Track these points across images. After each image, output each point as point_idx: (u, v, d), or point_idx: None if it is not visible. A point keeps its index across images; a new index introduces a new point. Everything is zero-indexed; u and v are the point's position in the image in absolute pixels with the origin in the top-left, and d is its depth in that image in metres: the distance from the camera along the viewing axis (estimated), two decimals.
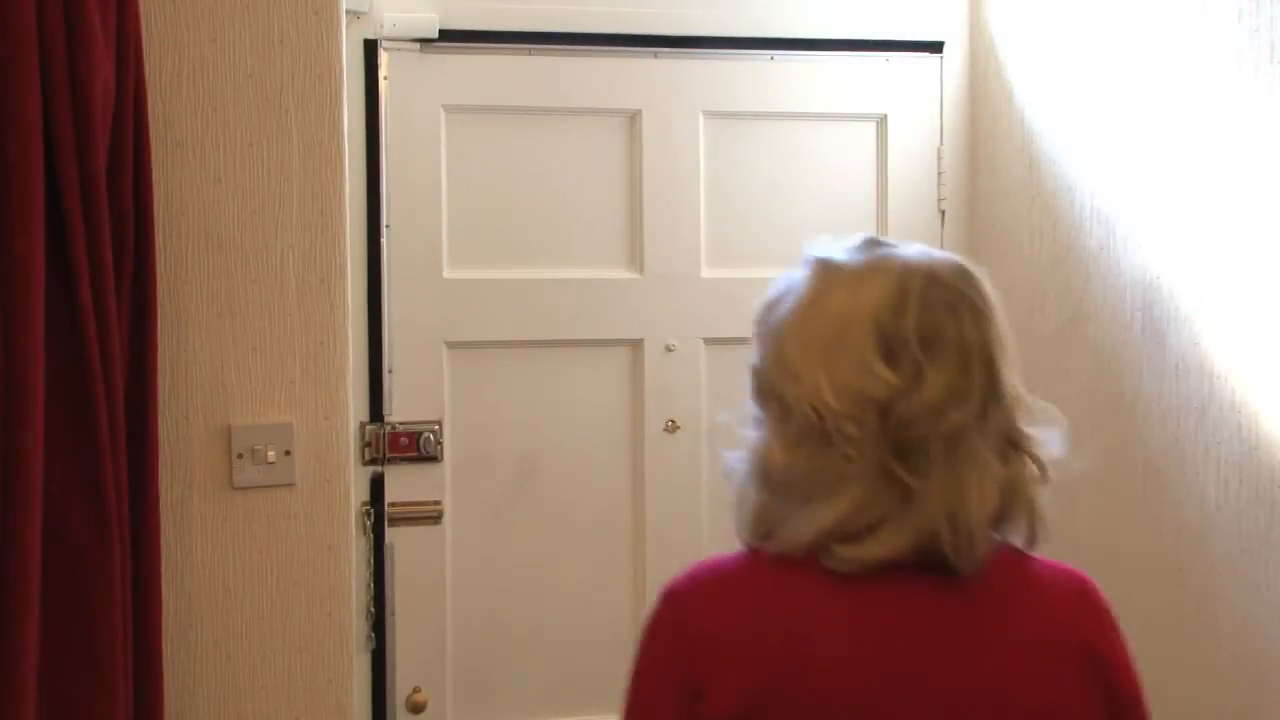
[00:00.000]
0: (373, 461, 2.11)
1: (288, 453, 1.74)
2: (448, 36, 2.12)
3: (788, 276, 1.10)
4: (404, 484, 2.13)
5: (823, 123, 2.29)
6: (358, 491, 2.01)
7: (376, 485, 2.10)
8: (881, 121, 2.30)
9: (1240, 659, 1.66)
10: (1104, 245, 1.93)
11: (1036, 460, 1.07)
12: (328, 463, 1.77)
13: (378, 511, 2.09)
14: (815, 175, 2.29)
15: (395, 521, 2.12)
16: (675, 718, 1.03)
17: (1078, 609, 1.07)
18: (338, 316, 1.76)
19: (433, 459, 2.13)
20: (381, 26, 2.08)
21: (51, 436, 1.43)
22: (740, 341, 2.43)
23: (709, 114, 2.23)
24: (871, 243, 1.09)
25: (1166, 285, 1.79)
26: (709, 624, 1.03)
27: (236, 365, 1.72)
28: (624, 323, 2.21)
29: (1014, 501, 1.05)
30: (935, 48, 2.31)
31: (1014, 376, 1.07)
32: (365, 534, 2.05)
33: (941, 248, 2.30)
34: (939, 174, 2.32)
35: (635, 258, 2.21)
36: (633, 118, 2.21)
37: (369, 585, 2.04)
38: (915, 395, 1.00)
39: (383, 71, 2.10)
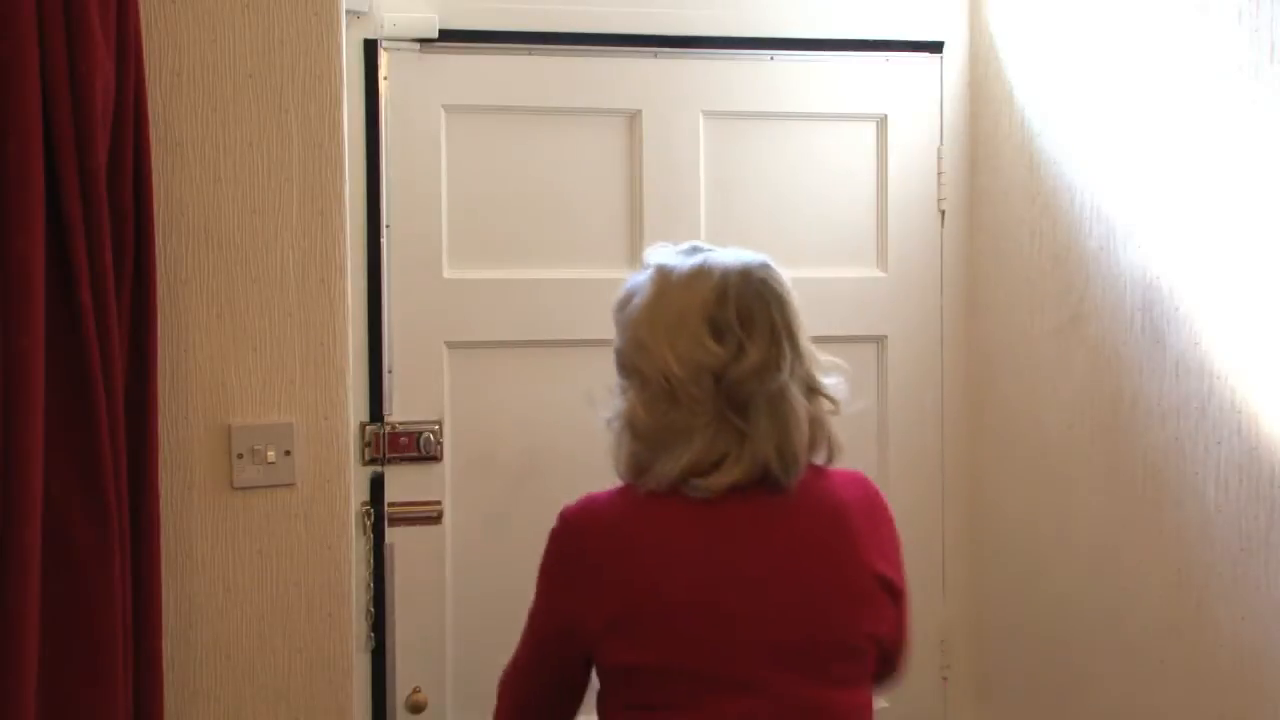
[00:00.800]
0: (373, 461, 2.11)
1: (288, 453, 1.74)
2: (448, 36, 2.12)
3: (634, 278, 1.45)
4: (404, 484, 2.13)
5: (823, 123, 2.28)
6: (358, 491, 2.01)
7: (376, 485, 2.10)
8: (882, 122, 2.30)
9: (1240, 659, 1.66)
10: (1104, 245, 1.93)
11: (830, 398, 1.43)
12: (328, 463, 1.77)
13: (378, 511, 2.09)
14: (815, 175, 2.29)
15: (395, 521, 2.12)
16: (566, 626, 1.39)
17: (851, 501, 1.43)
18: (338, 316, 1.76)
19: (433, 459, 2.13)
20: (381, 26, 2.08)
21: (51, 436, 1.43)
22: None
23: (709, 114, 2.23)
24: (694, 249, 1.44)
25: (1166, 285, 1.79)
26: (598, 546, 1.38)
27: (236, 365, 1.73)
28: None
29: (818, 431, 1.41)
30: (935, 48, 2.31)
31: (808, 341, 1.42)
32: (365, 534, 2.04)
33: (941, 248, 2.33)
34: (939, 174, 2.32)
35: (635, 258, 2.20)
36: (632, 118, 2.21)
37: (369, 585, 2.04)
38: (740, 362, 1.35)
39: (383, 71, 2.10)
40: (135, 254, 1.55)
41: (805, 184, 2.28)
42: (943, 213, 2.33)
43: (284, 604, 1.75)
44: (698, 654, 1.33)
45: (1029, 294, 2.14)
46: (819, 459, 1.42)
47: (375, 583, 2.07)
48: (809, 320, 2.25)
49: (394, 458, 2.11)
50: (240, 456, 1.72)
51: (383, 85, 2.10)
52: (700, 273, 1.39)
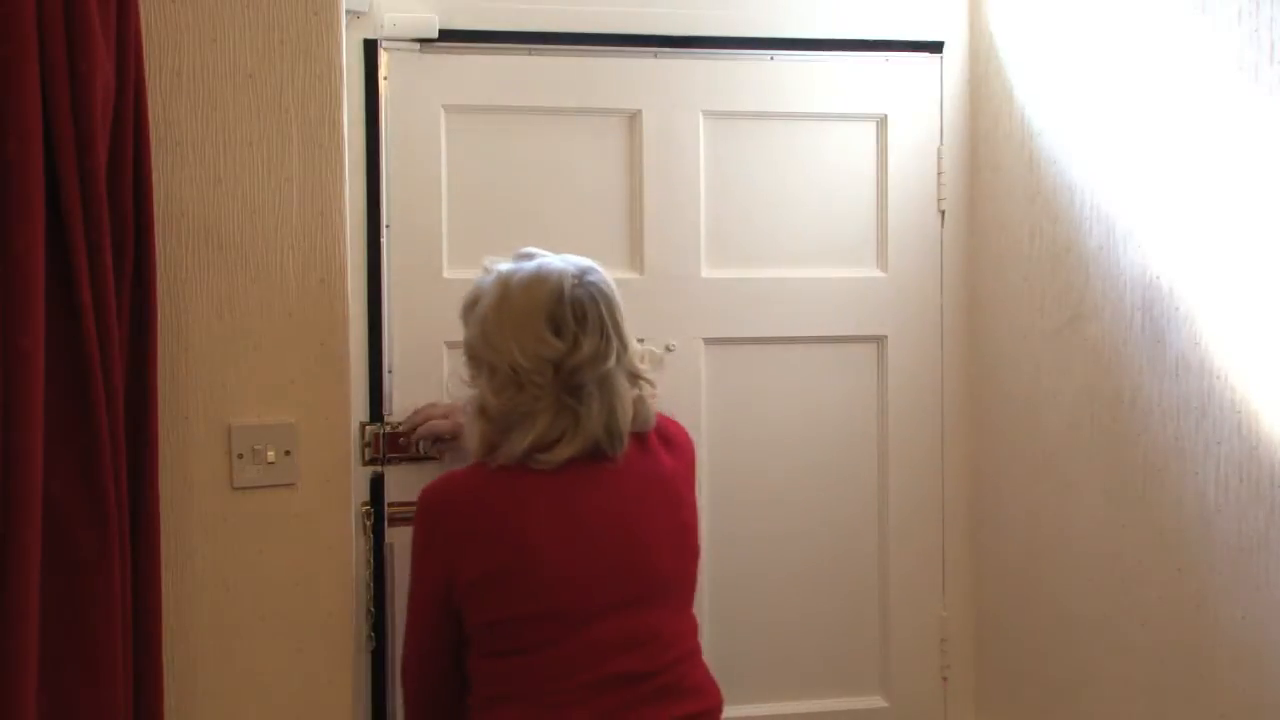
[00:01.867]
0: (372, 461, 2.10)
1: (288, 453, 1.74)
2: (448, 36, 2.11)
3: (479, 282, 1.70)
4: (404, 484, 2.13)
5: (823, 123, 2.28)
6: (357, 491, 2.00)
7: (376, 485, 2.09)
8: (882, 122, 2.30)
9: (1240, 659, 1.66)
10: (1104, 244, 1.93)
11: (649, 382, 1.71)
12: (328, 463, 1.77)
13: (378, 512, 2.08)
14: (815, 175, 2.28)
15: (395, 521, 2.11)
16: (442, 589, 1.63)
17: (671, 454, 1.73)
18: (338, 316, 1.76)
19: (432, 459, 2.13)
20: (381, 27, 2.08)
21: (51, 436, 1.43)
22: (741, 342, 2.42)
23: (709, 114, 2.23)
24: (528, 254, 1.69)
25: (1166, 284, 1.79)
26: (456, 518, 1.62)
27: (236, 365, 1.73)
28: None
29: (640, 409, 1.68)
30: (935, 48, 2.31)
31: (631, 336, 1.67)
32: (365, 534, 2.04)
33: (941, 248, 2.33)
34: (939, 174, 2.32)
35: (635, 258, 2.21)
36: (632, 118, 2.21)
37: (369, 585, 2.04)
38: (576, 354, 1.60)
39: (383, 71, 2.09)
40: (135, 254, 1.55)
41: (805, 184, 2.28)
42: (943, 213, 2.32)
43: (284, 604, 1.75)
44: (550, 600, 1.59)
45: (1029, 294, 2.14)
46: (640, 429, 1.69)
47: (375, 583, 2.06)
48: (810, 320, 2.27)
49: (394, 458, 2.11)
50: (240, 456, 1.72)
51: (383, 85, 2.09)
52: (539, 277, 1.63)
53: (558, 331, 1.60)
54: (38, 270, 1.39)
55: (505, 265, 1.68)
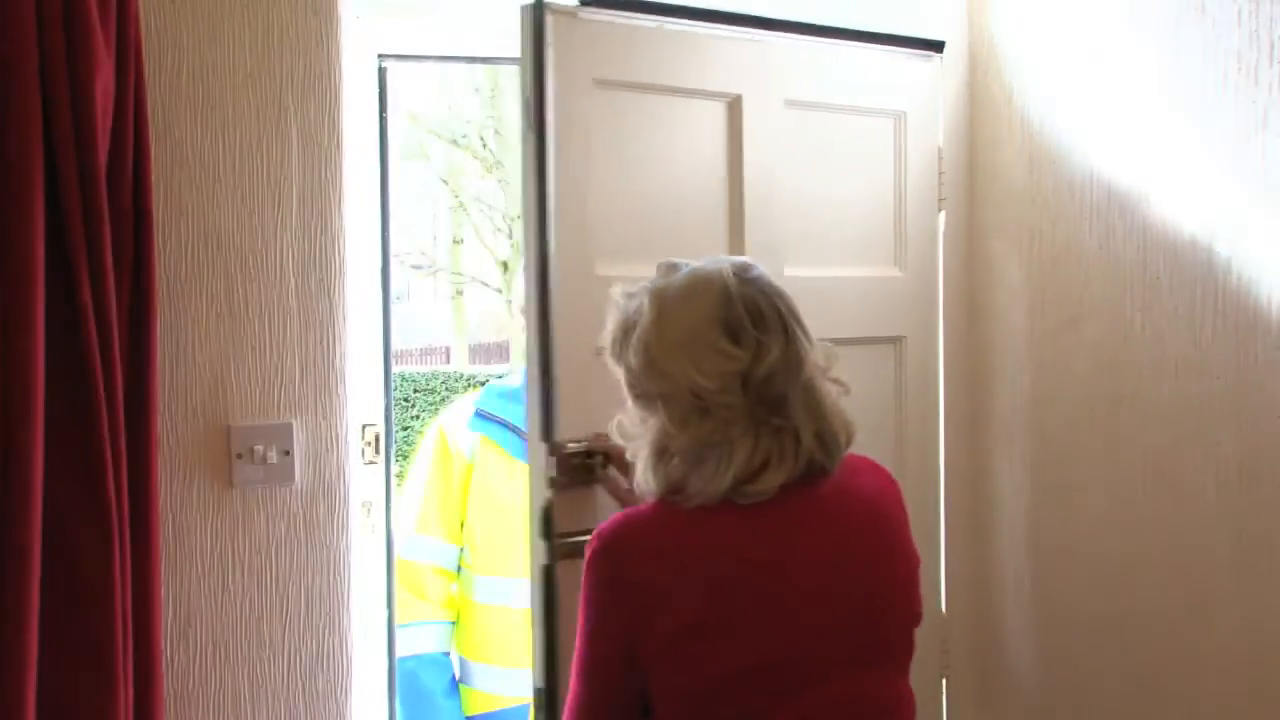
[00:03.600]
0: (551, 485, 1.75)
1: (287, 453, 1.74)
2: (594, 1, 1.84)
3: (625, 307, 1.41)
4: (572, 512, 1.79)
5: (860, 117, 2.16)
6: (358, 491, 1.99)
7: (545, 514, 1.77)
8: (900, 118, 2.24)
9: (1240, 659, 1.66)
10: (1104, 244, 1.93)
11: (838, 381, 1.42)
12: (327, 463, 1.77)
13: (549, 544, 1.76)
14: (847, 170, 2.15)
15: (563, 554, 1.76)
16: (624, 650, 1.32)
17: (880, 484, 1.46)
18: (337, 317, 1.76)
19: (595, 482, 1.81)
20: None
21: (51, 436, 1.43)
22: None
23: (790, 103, 2.06)
24: (671, 265, 1.42)
25: (1166, 284, 1.79)
26: (643, 569, 1.32)
27: (236, 365, 1.73)
28: None
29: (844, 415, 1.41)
30: (936, 47, 2.30)
31: (812, 332, 1.40)
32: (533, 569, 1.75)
33: (941, 248, 2.31)
34: (940, 173, 2.31)
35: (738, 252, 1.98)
36: (732, 104, 2.01)
37: (541, 621, 1.75)
38: (763, 361, 1.33)
39: (548, 38, 1.77)
40: (135, 254, 1.55)
41: (837, 180, 2.15)
42: (942, 212, 2.32)
43: (284, 604, 1.75)
44: (759, 659, 1.29)
45: (1029, 293, 2.13)
46: (848, 441, 1.41)
47: (546, 618, 1.75)
48: (837, 321, 2.19)
49: (564, 483, 1.78)
50: (240, 456, 1.72)
51: (548, 54, 1.78)
52: (696, 284, 1.37)
53: (735, 338, 1.33)
54: (38, 270, 1.39)
55: (647, 284, 1.42)
